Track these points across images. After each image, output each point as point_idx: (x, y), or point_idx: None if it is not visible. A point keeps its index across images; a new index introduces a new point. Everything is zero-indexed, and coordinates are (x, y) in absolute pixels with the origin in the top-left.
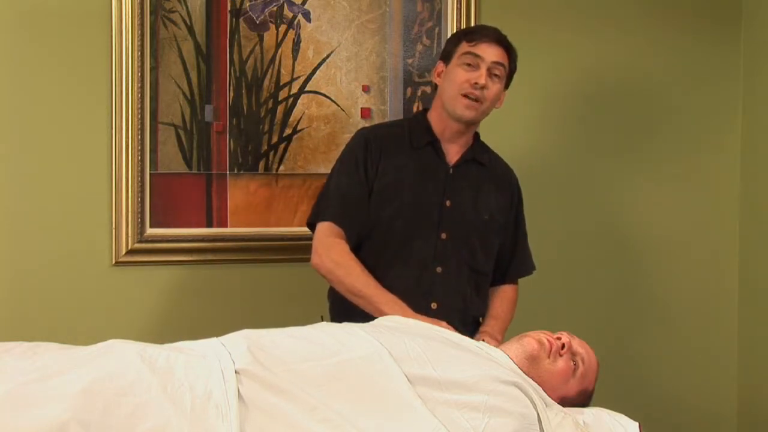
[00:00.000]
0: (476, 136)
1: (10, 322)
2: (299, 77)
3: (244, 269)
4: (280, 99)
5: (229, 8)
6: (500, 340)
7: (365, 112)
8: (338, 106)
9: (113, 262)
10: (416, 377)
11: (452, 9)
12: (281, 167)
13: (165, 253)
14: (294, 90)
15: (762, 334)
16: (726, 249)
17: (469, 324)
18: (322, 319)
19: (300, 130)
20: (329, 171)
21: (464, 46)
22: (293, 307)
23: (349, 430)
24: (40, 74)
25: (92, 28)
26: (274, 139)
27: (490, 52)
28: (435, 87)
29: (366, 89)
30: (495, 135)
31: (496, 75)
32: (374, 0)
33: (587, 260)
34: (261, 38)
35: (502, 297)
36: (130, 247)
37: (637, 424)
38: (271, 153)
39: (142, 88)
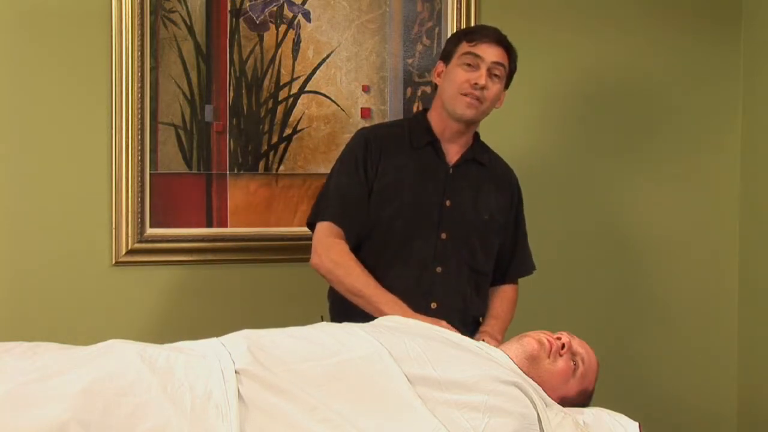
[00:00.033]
0: (476, 136)
1: (10, 322)
2: (299, 77)
3: (244, 269)
4: (280, 99)
5: (229, 8)
6: (500, 340)
7: (365, 112)
8: (338, 106)
9: (113, 262)
10: (416, 377)
11: (452, 9)
12: (281, 167)
13: (165, 253)
14: (294, 90)
15: (762, 334)
16: (726, 249)
17: (469, 324)
18: (322, 319)
19: (300, 130)
20: (329, 171)
21: (464, 46)
22: (293, 307)
23: (349, 430)
24: (40, 74)
25: (92, 28)
26: (274, 139)
27: (490, 53)
28: (435, 87)
29: (366, 89)
30: (495, 135)
31: (496, 75)
32: (374, 0)
33: (587, 260)
34: (261, 38)
35: (502, 297)
36: (130, 247)
37: (637, 424)
38: (271, 153)
39: (142, 88)
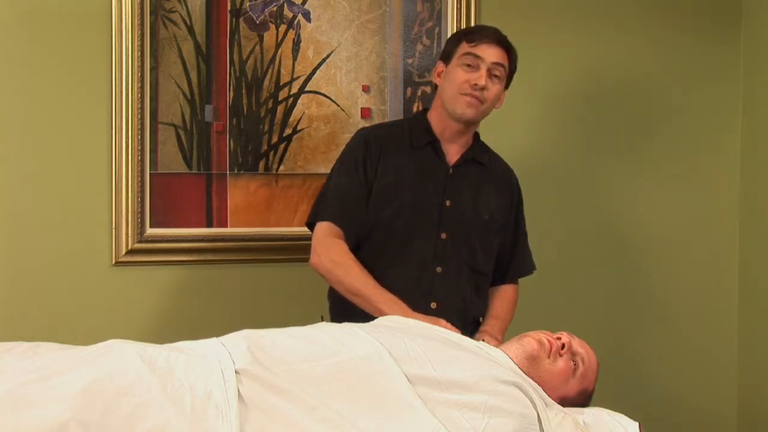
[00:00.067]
0: (476, 136)
1: (10, 322)
2: (299, 77)
3: (244, 269)
4: (280, 99)
5: (229, 8)
6: (500, 340)
7: (365, 112)
8: (338, 106)
9: (113, 262)
10: (416, 377)
11: (452, 9)
12: (281, 167)
13: (165, 253)
14: (294, 90)
15: (762, 334)
16: (726, 249)
17: (469, 324)
18: (322, 319)
19: (300, 130)
20: (329, 171)
21: (464, 47)
22: (293, 307)
23: (349, 430)
24: (40, 74)
25: (92, 28)
26: (274, 139)
27: (490, 53)
28: (435, 87)
29: (366, 89)
30: (495, 135)
31: (496, 76)
32: (374, 0)
33: (587, 260)
34: (261, 38)
35: (503, 297)
36: (130, 247)
37: (637, 424)
38: (271, 153)
39: (142, 88)
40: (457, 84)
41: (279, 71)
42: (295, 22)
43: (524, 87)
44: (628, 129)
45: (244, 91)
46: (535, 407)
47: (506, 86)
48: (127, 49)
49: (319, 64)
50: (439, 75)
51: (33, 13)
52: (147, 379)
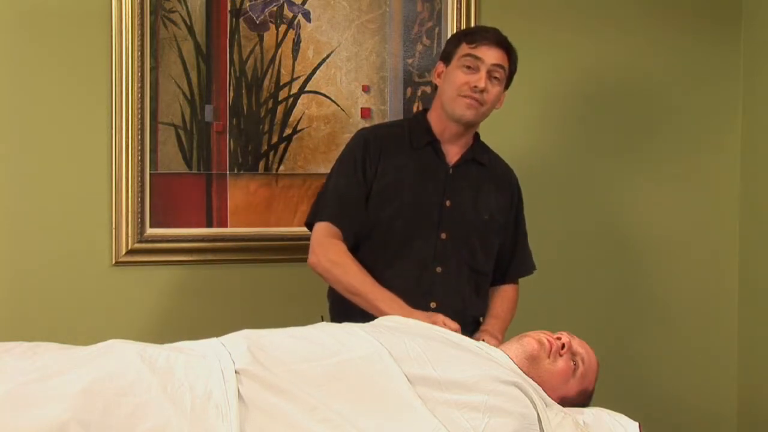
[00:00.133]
0: (476, 136)
1: (10, 322)
2: (299, 77)
3: (244, 269)
4: (280, 99)
5: (229, 8)
6: (500, 340)
7: (365, 112)
8: (338, 106)
9: (113, 262)
10: (416, 377)
11: (452, 9)
12: (281, 167)
13: (165, 253)
14: (294, 90)
15: (762, 334)
16: (726, 249)
17: (468, 324)
18: (322, 319)
19: (300, 130)
20: (329, 171)
21: (464, 48)
22: (293, 307)
23: (349, 430)
24: (40, 74)
25: (92, 28)
26: (274, 139)
27: (490, 55)
28: (435, 87)
29: (366, 89)
30: (495, 135)
31: (495, 77)
32: (374, 0)
33: (587, 260)
34: (261, 38)
35: (503, 296)
36: (130, 247)
37: (637, 424)
38: (271, 153)
39: (142, 88)
40: (456, 86)
41: (279, 71)
42: (295, 22)
43: (524, 87)
44: (628, 129)
45: (244, 91)
46: (535, 407)
47: (506, 87)
48: (127, 49)
49: (319, 64)
50: (439, 75)
51: (33, 13)
52: (147, 379)
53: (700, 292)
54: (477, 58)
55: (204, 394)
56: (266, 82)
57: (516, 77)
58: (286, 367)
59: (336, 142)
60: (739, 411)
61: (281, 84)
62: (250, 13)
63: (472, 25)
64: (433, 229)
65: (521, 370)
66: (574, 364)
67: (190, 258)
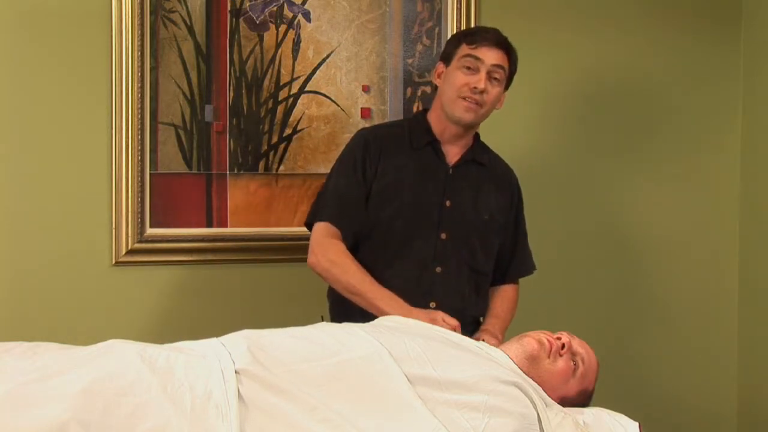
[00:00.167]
0: (476, 136)
1: (10, 322)
2: (299, 77)
3: (244, 269)
4: (280, 99)
5: (229, 8)
6: (501, 339)
7: (365, 112)
8: (338, 106)
9: (113, 262)
10: (416, 377)
11: (452, 9)
12: (281, 167)
13: (165, 253)
14: (294, 90)
15: (762, 334)
16: (726, 249)
17: (468, 324)
18: (322, 319)
19: (300, 130)
20: (329, 171)
21: (464, 49)
22: (293, 307)
23: (349, 430)
24: (40, 74)
25: (92, 28)
26: (274, 139)
27: (490, 55)
28: (435, 87)
29: (366, 89)
30: (495, 135)
31: (495, 78)
32: (374, 0)
33: (587, 260)
34: (261, 38)
35: (503, 296)
36: (130, 247)
37: (637, 424)
38: (271, 153)
39: (142, 88)
40: (456, 87)
41: (279, 71)
42: (295, 22)
43: (524, 87)
44: (628, 129)
45: (244, 91)
46: (535, 407)
47: (506, 87)
48: (127, 49)
49: (319, 64)
50: (439, 76)
51: (33, 13)
52: (147, 379)
53: (700, 292)
54: (477, 58)
55: (204, 394)
56: (266, 82)
57: (516, 77)
58: (286, 367)
59: (336, 142)
60: (739, 411)
61: (281, 84)
62: (250, 13)
63: (472, 25)
64: (433, 229)
65: (521, 370)
66: (574, 364)
67: (190, 258)
